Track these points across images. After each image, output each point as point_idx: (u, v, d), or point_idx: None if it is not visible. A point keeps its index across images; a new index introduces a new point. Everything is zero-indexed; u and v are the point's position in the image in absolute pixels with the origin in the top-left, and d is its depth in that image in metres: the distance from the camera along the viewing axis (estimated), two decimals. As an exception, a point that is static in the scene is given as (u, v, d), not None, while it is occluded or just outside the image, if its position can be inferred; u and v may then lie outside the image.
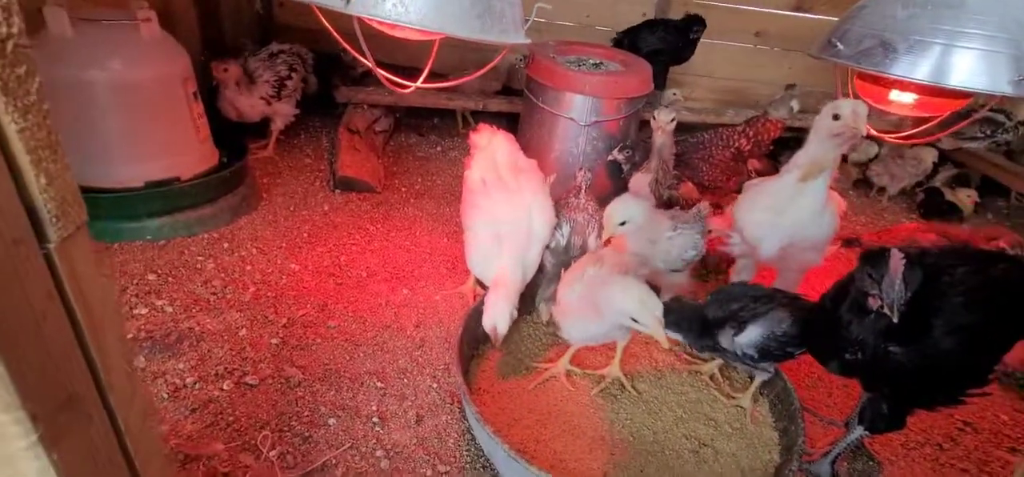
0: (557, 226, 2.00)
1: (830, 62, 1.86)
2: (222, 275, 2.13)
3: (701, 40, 3.66)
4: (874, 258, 1.25)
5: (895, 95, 1.95)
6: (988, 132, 3.56)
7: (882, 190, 3.64)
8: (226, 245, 2.30)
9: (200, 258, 2.19)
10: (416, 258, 2.41)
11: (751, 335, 1.52)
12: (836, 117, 1.66)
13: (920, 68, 1.67)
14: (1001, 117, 3.46)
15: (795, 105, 3.77)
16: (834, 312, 1.37)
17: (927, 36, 1.65)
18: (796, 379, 2.00)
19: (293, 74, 2.99)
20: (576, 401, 1.68)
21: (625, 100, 2.65)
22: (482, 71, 1.83)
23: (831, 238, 1.95)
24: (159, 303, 1.93)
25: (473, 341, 1.83)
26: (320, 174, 3.00)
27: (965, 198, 3.40)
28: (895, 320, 1.21)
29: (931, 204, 3.44)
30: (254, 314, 1.95)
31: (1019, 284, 1.37)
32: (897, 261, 1.17)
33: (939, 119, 2.04)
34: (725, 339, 1.53)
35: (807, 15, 4.00)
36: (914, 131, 2.16)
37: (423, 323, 2.03)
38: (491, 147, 1.91)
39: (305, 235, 2.45)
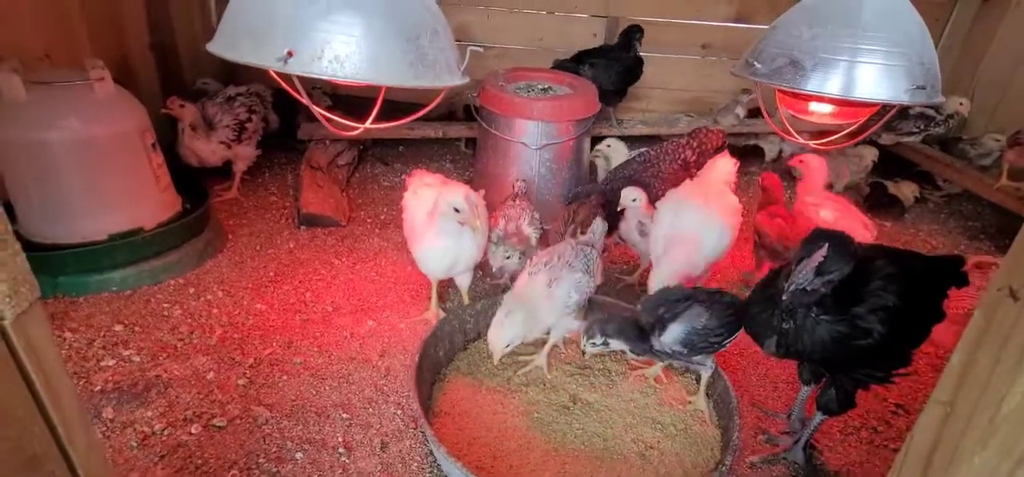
0: (498, 223, 2.27)
1: (750, 80, 2.01)
2: (189, 320, 2.18)
3: (654, 55, 3.84)
4: (811, 242, 1.38)
5: (814, 106, 2.11)
6: (922, 127, 3.79)
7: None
8: (192, 290, 2.36)
9: (166, 305, 2.24)
10: (381, 289, 2.49)
11: (673, 333, 1.66)
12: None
13: (830, 83, 1.83)
14: (932, 112, 3.69)
15: (740, 112, 3.98)
16: (774, 282, 1.51)
17: (831, 54, 1.80)
18: (744, 378, 2.13)
19: (252, 116, 3.05)
20: (532, 417, 1.77)
21: (574, 122, 2.78)
22: (425, 110, 1.93)
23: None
24: (126, 353, 1.98)
25: (433, 366, 1.91)
26: (285, 211, 3.06)
27: (907, 191, 3.60)
28: (784, 297, 1.39)
29: (875, 198, 3.64)
30: (221, 356, 2.01)
31: (929, 276, 1.54)
32: (818, 256, 1.31)
33: (856, 124, 2.20)
34: (656, 341, 1.65)
35: (748, 25, 4.21)
36: (834, 137, 2.32)
37: (388, 352, 2.11)
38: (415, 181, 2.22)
39: (271, 274, 2.52)
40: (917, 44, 1.85)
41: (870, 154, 3.72)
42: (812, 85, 1.87)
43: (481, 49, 1.73)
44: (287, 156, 3.65)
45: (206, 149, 2.91)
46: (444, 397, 1.84)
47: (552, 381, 1.90)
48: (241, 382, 1.91)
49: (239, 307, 2.29)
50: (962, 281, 1.59)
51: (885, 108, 2.16)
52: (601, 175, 3.15)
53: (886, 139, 3.90)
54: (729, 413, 1.68)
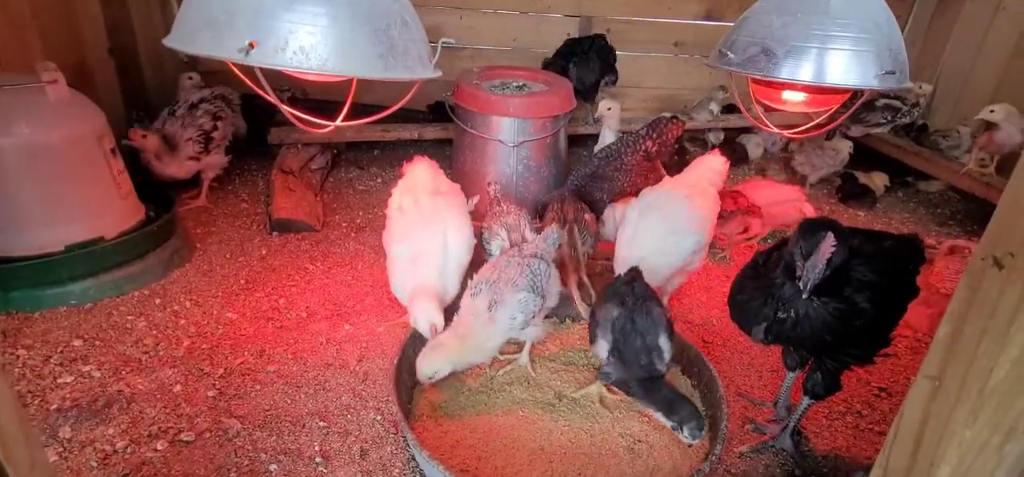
0: (495, 234, 2.13)
1: (723, 70, 2.01)
2: (154, 332, 2.07)
3: (628, 53, 3.85)
4: (809, 233, 1.37)
5: (787, 95, 2.12)
6: (889, 118, 3.88)
7: (804, 178, 3.89)
8: (158, 301, 2.25)
9: (130, 317, 2.13)
10: (358, 293, 2.41)
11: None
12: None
13: (802, 70, 1.84)
14: (897, 102, 3.78)
15: (715, 107, 4.01)
16: (768, 274, 1.48)
17: (802, 41, 1.82)
18: (729, 368, 2.12)
19: (218, 123, 2.94)
20: (516, 416, 1.72)
21: (550, 118, 2.76)
22: (395, 107, 1.87)
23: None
24: (86, 369, 1.87)
25: (413, 368, 1.85)
26: (257, 218, 2.97)
27: (878, 181, 3.68)
28: (804, 295, 1.35)
29: (847, 188, 3.70)
30: (189, 368, 1.91)
31: (903, 255, 1.55)
32: (828, 247, 1.29)
33: (829, 111, 2.23)
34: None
35: (718, 23, 4.26)
36: (807, 125, 2.34)
37: (366, 356, 2.04)
38: (413, 173, 1.97)
39: (242, 282, 2.42)
40: (884, 30, 1.87)
41: (845, 147, 3.78)
42: (785, 72, 1.88)
43: (453, 42, 1.69)
44: (258, 162, 3.54)
45: (176, 168, 2.80)
46: (425, 400, 1.78)
47: (536, 378, 1.86)
48: (210, 394, 1.81)
49: (208, 317, 2.19)
50: (923, 258, 1.61)
51: (855, 96, 2.19)
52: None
53: (855, 131, 3.97)
54: (716, 403, 1.66)
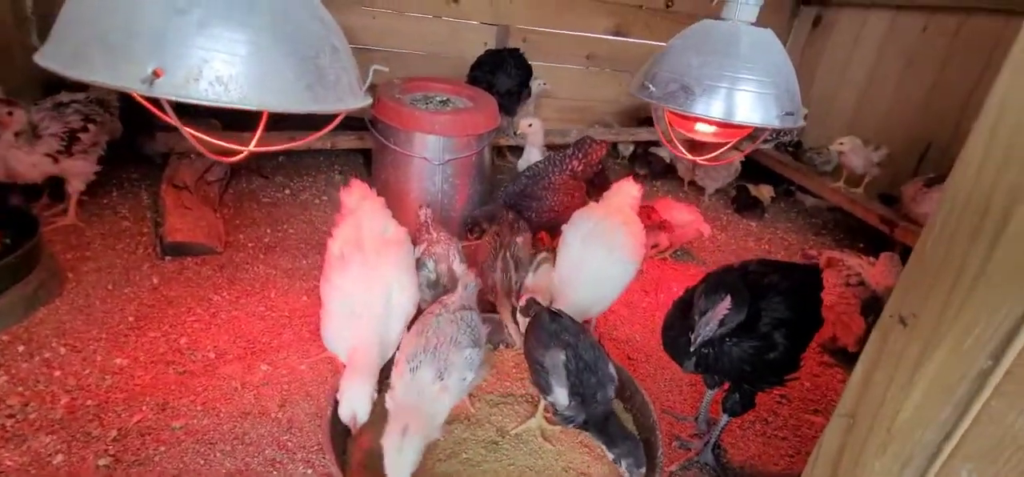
0: (423, 265, 2.06)
1: (647, 101, 2.12)
2: (20, 389, 1.75)
3: (543, 64, 3.92)
4: (711, 292, 1.48)
5: (700, 126, 2.28)
6: (774, 136, 4.34)
7: (702, 189, 4.23)
8: (22, 348, 1.91)
9: (-15, 373, 1.79)
10: (273, 326, 2.22)
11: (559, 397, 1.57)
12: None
13: (714, 107, 1.98)
14: (781, 123, 4.23)
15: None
16: (689, 311, 1.59)
17: (716, 81, 1.96)
18: (653, 383, 2.24)
19: (90, 125, 2.53)
20: (461, 459, 1.68)
21: (475, 136, 2.72)
22: (325, 130, 1.74)
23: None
24: (-73, 446, 1.53)
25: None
26: (144, 239, 2.62)
27: (764, 192, 4.09)
28: (692, 348, 1.50)
29: (741, 199, 4.08)
30: (72, 433, 1.64)
31: (813, 286, 1.74)
32: (721, 310, 1.40)
33: (733, 142, 2.44)
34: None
35: (627, 39, 4.48)
36: (718, 151, 2.55)
37: (289, 401, 1.88)
38: (359, 212, 1.85)
39: (131, 319, 2.12)
40: (784, 74, 2.08)
41: (738, 160, 4.15)
42: (700, 109, 2.02)
43: (385, 69, 1.60)
44: (140, 172, 3.13)
45: (24, 162, 2.33)
46: (360, 448, 1.68)
47: (476, 416, 1.83)
48: (102, 463, 1.57)
49: (91, 365, 1.89)
50: (822, 286, 1.83)
51: (757, 130, 2.42)
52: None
53: (745, 147, 4.39)
54: (650, 428, 1.75)
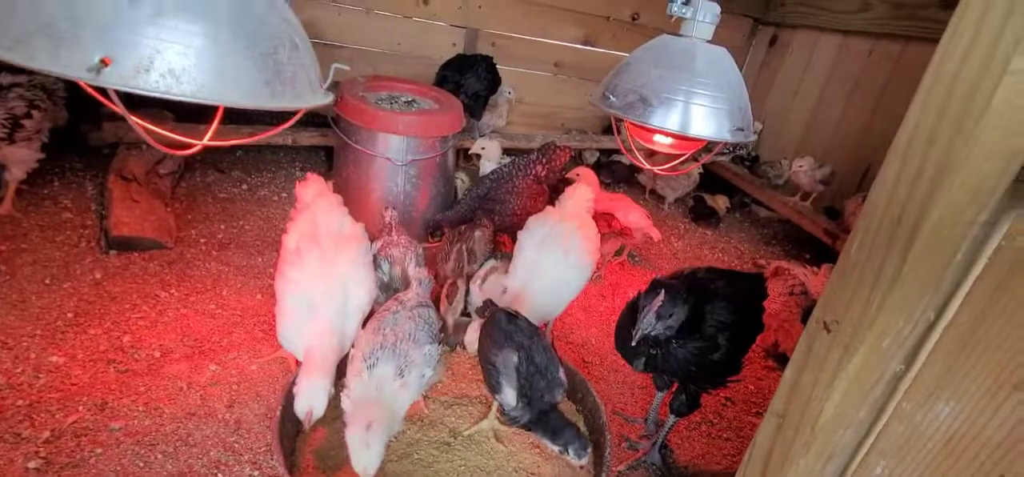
0: (378, 265, 2.05)
1: (607, 111, 2.18)
2: (-57, 388, 1.66)
3: (510, 69, 3.95)
4: (649, 291, 1.54)
5: (658, 137, 2.36)
6: (731, 149, 4.50)
7: (662, 198, 4.35)
8: (-54, 344, 1.80)
9: (-97, 370, 1.68)
10: (224, 325, 2.16)
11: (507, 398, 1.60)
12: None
13: (671, 119, 2.06)
14: (736, 137, 4.39)
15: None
16: (635, 321, 1.64)
17: (673, 94, 2.04)
18: (606, 385, 2.30)
19: (34, 111, 2.42)
20: (413, 460, 1.68)
21: (440, 138, 2.73)
22: (284, 126, 1.72)
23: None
24: None
25: (295, 416, 1.71)
26: (87, 232, 2.50)
27: (720, 202, 4.24)
28: (633, 343, 1.57)
29: (698, 209, 4.22)
30: (0, 434, 1.56)
31: (756, 293, 1.82)
32: (656, 304, 1.46)
33: (690, 153, 2.53)
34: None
35: (594, 49, 4.57)
36: (675, 162, 2.64)
37: (237, 402, 1.84)
38: (314, 207, 1.83)
39: (69, 315, 2.03)
40: (736, 91, 2.17)
41: (695, 171, 4.29)
42: (656, 120, 2.09)
43: (347, 68, 1.59)
44: (83, 162, 2.99)
45: None
46: (308, 449, 1.66)
47: (430, 417, 1.84)
48: (32, 466, 1.50)
49: (23, 362, 1.80)
50: (766, 294, 1.92)
51: (711, 143, 2.52)
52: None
53: (703, 158, 4.54)
54: (599, 429, 1.79)
